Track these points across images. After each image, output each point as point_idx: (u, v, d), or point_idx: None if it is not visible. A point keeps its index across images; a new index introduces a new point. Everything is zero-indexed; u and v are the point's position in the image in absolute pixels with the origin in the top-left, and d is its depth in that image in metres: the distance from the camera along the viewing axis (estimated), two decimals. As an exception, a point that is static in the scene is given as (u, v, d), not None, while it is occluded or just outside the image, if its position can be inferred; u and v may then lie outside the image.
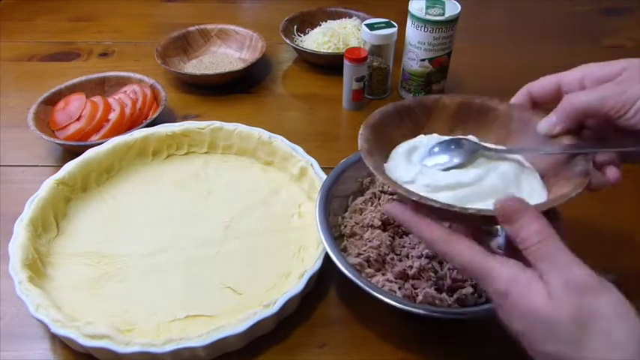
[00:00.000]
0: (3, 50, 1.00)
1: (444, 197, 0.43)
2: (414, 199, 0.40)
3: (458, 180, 0.44)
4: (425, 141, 0.50)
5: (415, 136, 0.51)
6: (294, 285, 0.53)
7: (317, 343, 0.53)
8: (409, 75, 0.84)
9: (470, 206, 0.41)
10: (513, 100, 0.49)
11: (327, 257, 0.54)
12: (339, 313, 0.56)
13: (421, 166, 0.47)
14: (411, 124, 0.52)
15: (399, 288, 0.53)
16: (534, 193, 0.45)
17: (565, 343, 0.33)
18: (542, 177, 0.47)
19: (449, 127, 0.52)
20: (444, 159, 0.47)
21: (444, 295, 0.52)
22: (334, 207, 0.60)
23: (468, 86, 0.91)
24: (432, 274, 0.54)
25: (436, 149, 0.48)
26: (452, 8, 0.78)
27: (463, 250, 0.38)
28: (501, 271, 0.36)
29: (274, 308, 0.50)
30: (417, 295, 0.52)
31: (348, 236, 0.59)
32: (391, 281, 0.53)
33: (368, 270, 0.55)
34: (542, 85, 0.47)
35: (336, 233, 0.59)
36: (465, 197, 0.43)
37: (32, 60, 0.98)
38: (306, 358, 0.52)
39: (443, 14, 0.77)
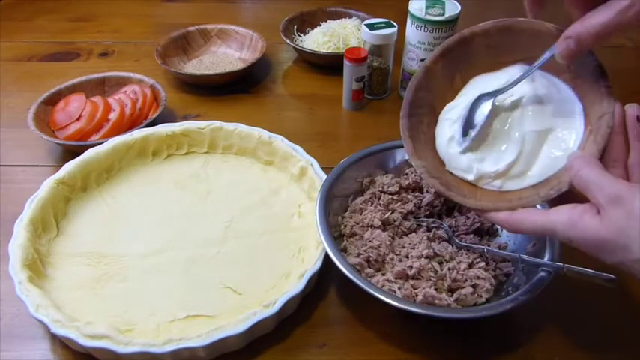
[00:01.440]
0: (3, 50, 1.00)
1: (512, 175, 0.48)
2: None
3: (513, 158, 0.47)
4: (452, 117, 0.51)
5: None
6: (294, 285, 0.53)
7: (317, 343, 0.53)
8: (409, 75, 0.84)
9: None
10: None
11: (327, 257, 0.54)
12: (339, 313, 0.56)
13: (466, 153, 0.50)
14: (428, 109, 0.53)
15: (399, 288, 0.53)
16: (569, 115, 0.46)
17: (621, 252, 0.37)
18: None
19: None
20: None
21: (443, 294, 0.52)
22: (334, 207, 0.60)
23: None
24: (432, 274, 0.54)
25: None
26: (452, 8, 0.78)
27: (525, 220, 0.44)
28: (558, 223, 0.41)
29: (274, 308, 0.50)
30: (417, 295, 0.52)
31: (348, 236, 0.59)
32: (391, 281, 0.53)
33: (368, 270, 0.55)
34: None
35: (336, 233, 0.59)
36: (528, 158, 0.47)
37: (32, 60, 0.98)
38: (306, 358, 0.52)
39: (443, 14, 0.77)
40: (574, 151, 0.44)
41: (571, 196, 0.42)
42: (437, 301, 0.51)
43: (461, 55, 0.51)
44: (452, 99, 0.53)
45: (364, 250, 0.56)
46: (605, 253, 0.38)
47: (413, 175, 0.64)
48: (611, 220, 0.37)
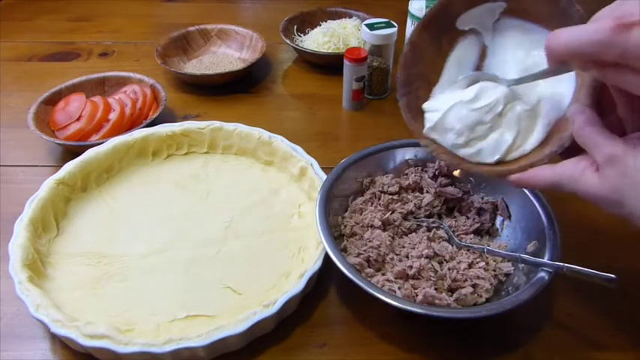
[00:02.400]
0: (3, 50, 1.00)
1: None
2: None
3: (511, 141, 0.48)
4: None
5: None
6: (294, 285, 0.53)
7: (317, 343, 0.53)
8: (409, 75, 0.84)
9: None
10: None
11: (327, 257, 0.54)
12: (339, 313, 0.56)
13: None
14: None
15: (399, 288, 0.53)
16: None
17: (618, 207, 0.40)
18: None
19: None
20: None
21: (443, 294, 0.52)
22: (334, 207, 0.60)
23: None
24: (432, 274, 0.54)
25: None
26: (452, 8, 0.78)
27: (536, 176, 0.45)
28: (563, 177, 0.43)
29: (274, 308, 0.50)
30: (417, 295, 0.52)
31: (348, 236, 0.59)
32: (391, 281, 0.53)
33: (368, 270, 0.55)
34: None
35: (336, 233, 0.59)
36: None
37: (32, 60, 0.98)
38: (306, 358, 0.52)
39: (443, 14, 0.76)
40: (573, 104, 0.45)
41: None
42: (437, 301, 0.51)
43: (443, 21, 0.52)
44: (442, 64, 0.53)
45: (364, 250, 0.56)
46: (604, 207, 0.41)
47: (413, 175, 0.64)
48: (607, 178, 0.39)
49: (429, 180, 0.64)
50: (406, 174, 0.65)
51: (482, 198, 0.62)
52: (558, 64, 0.40)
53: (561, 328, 0.54)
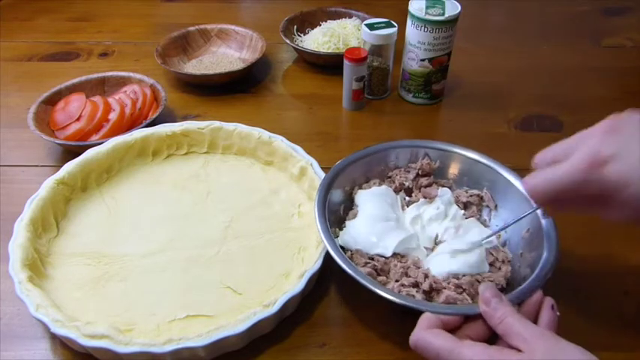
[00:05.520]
0: (3, 50, 1.00)
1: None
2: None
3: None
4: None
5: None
6: (294, 285, 0.53)
7: (317, 343, 0.53)
8: (409, 75, 0.84)
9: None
10: None
11: (327, 257, 0.54)
12: (339, 313, 0.56)
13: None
14: None
15: (417, 291, 0.52)
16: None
17: None
18: None
19: None
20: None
21: (464, 294, 0.51)
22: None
23: (468, 86, 0.91)
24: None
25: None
26: (452, 8, 0.78)
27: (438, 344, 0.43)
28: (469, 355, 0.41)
29: (274, 308, 0.50)
30: (437, 297, 0.51)
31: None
32: (406, 286, 0.53)
33: (380, 278, 0.54)
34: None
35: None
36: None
37: (32, 60, 0.98)
38: (306, 358, 0.52)
39: (443, 14, 0.77)
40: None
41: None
42: (458, 302, 0.50)
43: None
44: None
45: (370, 259, 0.55)
46: None
47: (398, 177, 0.64)
48: None
49: (412, 181, 0.64)
50: (390, 176, 0.65)
51: (467, 191, 0.62)
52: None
53: (561, 327, 0.54)
